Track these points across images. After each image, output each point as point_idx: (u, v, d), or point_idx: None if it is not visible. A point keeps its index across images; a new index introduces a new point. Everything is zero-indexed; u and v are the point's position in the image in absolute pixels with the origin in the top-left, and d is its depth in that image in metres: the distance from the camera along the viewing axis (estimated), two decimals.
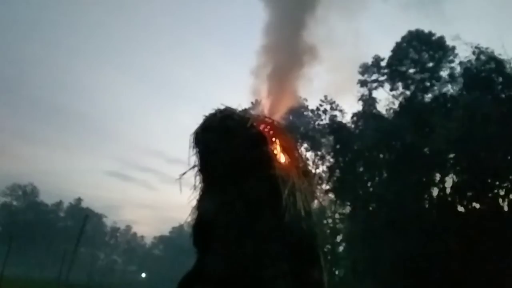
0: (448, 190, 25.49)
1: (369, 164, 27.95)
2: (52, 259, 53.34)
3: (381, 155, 27.54)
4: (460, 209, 25.74)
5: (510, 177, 23.05)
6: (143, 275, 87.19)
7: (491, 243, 19.92)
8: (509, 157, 20.61)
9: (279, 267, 1.59)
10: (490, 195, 23.74)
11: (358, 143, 28.69)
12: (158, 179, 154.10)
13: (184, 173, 1.81)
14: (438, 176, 25.85)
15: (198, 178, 1.81)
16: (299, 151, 1.72)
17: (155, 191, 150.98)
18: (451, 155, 24.52)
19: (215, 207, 1.67)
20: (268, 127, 1.77)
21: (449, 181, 25.68)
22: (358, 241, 27.91)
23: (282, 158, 1.73)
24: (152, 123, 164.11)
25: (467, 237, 21.42)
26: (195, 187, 1.81)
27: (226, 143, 1.61)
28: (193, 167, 1.83)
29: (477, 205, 25.23)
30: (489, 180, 23.13)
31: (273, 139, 1.76)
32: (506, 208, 23.87)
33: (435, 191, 26.46)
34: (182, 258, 70.92)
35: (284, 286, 1.58)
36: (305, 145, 33.69)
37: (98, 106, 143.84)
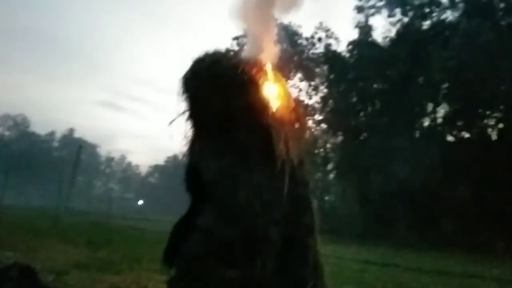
0: (439, 120, 25.67)
1: (363, 94, 27.75)
2: (50, 188, 54.51)
3: (375, 85, 27.23)
4: (450, 138, 26.16)
5: (501, 107, 23.13)
6: (140, 202, 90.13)
7: (478, 170, 20.49)
8: (502, 87, 20.45)
9: (272, 215, 1.52)
10: (479, 124, 24.00)
11: (352, 73, 28.22)
12: (149, 109, 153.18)
13: (172, 121, 1.66)
14: (430, 106, 25.85)
15: (188, 124, 1.67)
16: (293, 92, 1.59)
17: (148, 120, 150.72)
18: (445, 85, 24.30)
19: (206, 156, 1.54)
20: (260, 70, 1.57)
21: (440, 111, 25.76)
22: (348, 170, 28.65)
23: (274, 104, 1.57)
24: (141, 52, 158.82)
25: (455, 166, 21.99)
26: (185, 133, 1.67)
27: (216, 90, 1.44)
28: (183, 113, 1.68)
29: (467, 135, 25.63)
30: (480, 110, 23.23)
31: (265, 84, 1.58)
32: (494, 137, 24.30)
33: (426, 121, 26.64)
34: (176, 186, 73.14)
35: (276, 233, 1.52)
36: (299, 75, 33.11)
37: (86, 35, 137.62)
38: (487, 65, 18.78)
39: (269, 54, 1.91)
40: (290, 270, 1.67)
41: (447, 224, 19.94)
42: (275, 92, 1.77)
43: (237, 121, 1.63)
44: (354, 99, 28.85)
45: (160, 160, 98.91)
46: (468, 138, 25.12)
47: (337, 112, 30.07)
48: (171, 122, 1.81)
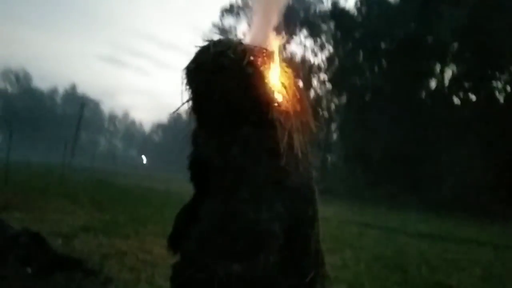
0: (446, 82, 25.25)
1: (369, 54, 27.15)
2: (54, 145, 55.04)
3: (383, 44, 26.55)
4: (456, 101, 25.87)
5: (510, 68, 22.64)
6: (144, 159, 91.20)
7: (484, 133, 20.39)
8: (510, 46, 19.90)
9: (275, 209, 1.53)
10: (487, 87, 23.62)
11: (360, 31, 27.46)
12: (152, 64, 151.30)
13: (176, 110, 1.61)
14: (438, 67, 25.34)
15: (191, 115, 1.63)
16: (298, 81, 1.53)
17: (151, 77, 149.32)
18: (455, 45, 23.68)
19: (210, 148, 1.51)
20: (266, 61, 1.50)
21: (448, 72, 25.29)
22: (351, 130, 28.60)
23: (280, 96, 1.51)
24: (142, 5, 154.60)
25: (460, 129, 21.89)
26: (189, 123, 1.63)
27: (221, 83, 1.39)
28: (186, 101, 1.62)
29: (473, 97, 25.32)
30: (489, 72, 22.76)
31: (271, 75, 1.52)
32: (501, 100, 24.01)
33: (433, 83, 26.24)
34: (178, 144, 73.87)
35: (279, 227, 1.53)
36: (305, 32, 32.29)
37: None
38: (499, 26, 18.15)
39: (276, 39, 1.81)
40: (292, 263, 1.67)
41: (448, 188, 20.13)
42: (281, 84, 1.70)
43: (242, 115, 1.57)
44: (361, 59, 28.27)
45: (163, 117, 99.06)
46: (475, 101, 24.84)
47: (342, 71, 29.60)
48: (175, 112, 1.75)
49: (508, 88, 23.66)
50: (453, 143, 22.42)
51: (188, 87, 1.69)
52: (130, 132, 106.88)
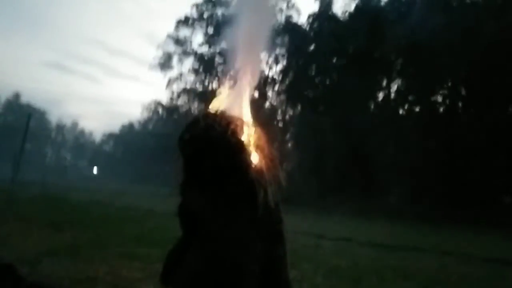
0: (392, 95, 26.91)
1: (321, 68, 28.33)
2: None
3: (334, 60, 27.85)
4: (402, 112, 27.62)
5: (449, 84, 24.58)
6: (95, 171, 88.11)
7: (427, 140, 21.91)
8: (450, 67, 21.69)
9: (255, 252, 1.90)
10: (429, 100, 25.46)
11: (312, 46, 28.61)
12: (102, 72, 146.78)
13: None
14: (385, 81, 26.97)
15: (180, 173, 1.96)
16: (270, 143, 1.86)
17: (100, 84, 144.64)
18: (399, 61, 25.35)
19: (199, 200, 1.85)
20: (242, 128, 1.89)
21: (394, 86, 26.99)
22: (305, 140, 29.58)
23: (256, 159, 1.90)
24: (90, 10, 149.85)
25: (406, 137, 23.36)
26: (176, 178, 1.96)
27: (210, 152, 1.75)
28: (176, 161, 1.96)
29: (417, 108, 27.16)
30: (430, 86, 24.55)
31: (248, 141, 1.90)
32: (441, 111, 25.97)
33: (381, 95, 27.85)
34: (132, 154, 72.20)
35: (257, 266, 1.89)
36: None
37: None
38: (438, 45, 19.75)
39: (248, 109, 2.21)
40: None
41: (396, 194, 21.40)
42: (256, 146, 2.09)
43: (226, 175, 1.94)
44: (313, 72, 29.40)
45: (114, 126, 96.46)
46: (418, 112, 26.65)
47: (296, 84, 30.62)
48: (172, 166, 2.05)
49: (447, 101, 25.66)
50: (400, 152, 23.91)
51: (181, 152, 2.02)
52: (79, 142, 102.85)
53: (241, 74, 2.38)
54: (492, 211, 18.94)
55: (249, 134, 2.06)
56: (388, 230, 13.90)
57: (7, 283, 3.97)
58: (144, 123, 73.67)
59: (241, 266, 1.89)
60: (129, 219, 12.36)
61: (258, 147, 2.08)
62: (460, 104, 25.02)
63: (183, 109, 49.42)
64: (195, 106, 49.40)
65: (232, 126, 1.96)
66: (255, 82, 2.49)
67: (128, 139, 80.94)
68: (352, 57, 26.00)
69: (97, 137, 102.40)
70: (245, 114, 2.19)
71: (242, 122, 2.08)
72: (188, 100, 47.76)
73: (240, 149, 1.94)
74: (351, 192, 23.06)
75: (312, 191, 27.11)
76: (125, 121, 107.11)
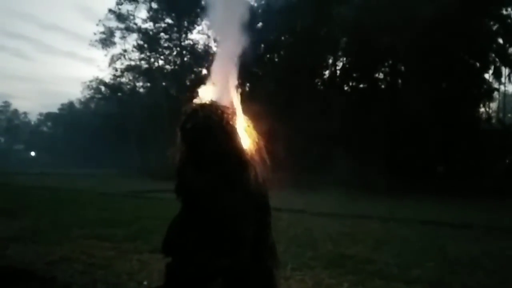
0: (338, 72, 27.96)
1: (270, 45, 28.64)
2: None
3: (282, 37, 28.24)
4: (347, 88, 28.83)
5: (390, 62, 25.98)
6: (32, 153, 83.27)
7: (370, 115, 23.15)
8: (391, 46, 22.90)
9: (249, 219, 2.26)
10: (372, 76, 26.80)
11: (260, 23, 28.73)
12: (33, 48, 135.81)
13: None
14: (331, 59, 27.88)
15: (181, 156, 2.24)
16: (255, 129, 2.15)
17: (32, 61, 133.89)
18: (344, 40, 26.30)
19: (200, 181, 2.16)
20: (235, 116, 2.22)
21: (339, 64, 28.02)
22: (255, 118, 30.05)
23: (247, 142, 2.24)
24: None
25: (351, 113, 24.54)
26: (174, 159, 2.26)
27: (209, 138, 2.07)
28: (178, 145, 2.24)
29: (361, 85, 28.48)
30: (372, 64, 25.79)
31: (239, 126, 2.24)
32: (383, 86, 27.49)
33: (327, 72, 28.82)
34: (74, 134, 68.97)
35: (251, 233, 2.26)
36: (207, 22, 32.63)
37: None
38: (380, 25, 20.75)
39: (237, 97, 2.54)
40: (258, 254, 2.43)
41: (343, 167, 22.59)
42: (245, 130, 2.44)
43: (223, 157, 2.26)
44: (262, 50, 29.62)
45: (51, 106, 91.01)
46: (361, 88, 27.97)
47: (244, 61, 30.74)
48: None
49: (388, 78, 27.17)
50: (346, 125, 25.11)
51: (183, 140, 2.30)
52: (13, 124, 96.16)
53: (221, 65, 2.67)
54: (427, 180, 20.72)
55: (240, 121, 2.39)
56: (337, 201, 14.86)
57: None
58: (86, 102, 70.29)
59: (238, 233, 2.24)
60: (84, 202, 12.20)
61: (247, 132, 2.42)
62: (399, 80, 26.59)
63: (128, 87, 47.85)
64: (140, 84, 48.00)
65: (226, 115, 2.27)
66: (235, 71, 2.79)
67: (69, 119, 76.94)
68: (300, 35, 26.52)
69: (33, 117, 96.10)
70: (234, 102, 2.50)
71: (234, 111, 2.40)
72: (133, 78, 46.23)
73: (234, 135, 2.27)
74: (301, 167, 23.99)
75: (265, 167, 27.82)
76: (62, 100, 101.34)
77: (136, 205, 12.15)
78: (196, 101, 2.48)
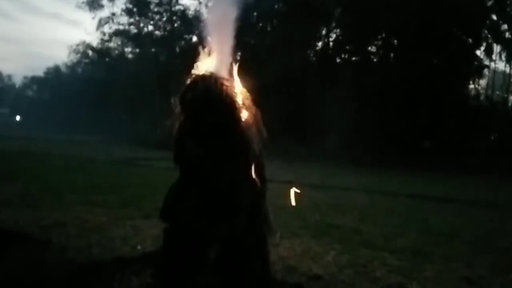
0: (331, 44, 27.72)
1: (263, 14, 28.15)
2: None
3: (276, 6, 27.73)
4: (339, 61, 28.68)
5: (383, 35, 25.81)
6: (18, 117, 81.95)
7: (362, 88, 23.16)
8: (386, 20, 22.71)
9: (245, 188, 2.35)
10: (365, 49, 26.66)
11: None
12: (17, 8, 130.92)
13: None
14: (324, 30, 27.57)
15: (180, 126, 2.29)
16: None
17: (16, 22, 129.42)
18: (338, 11, 25.94)
19: (199, 151, 2.22)
20: (233, 88, 2.27)
21: (332, 36, 27.75)
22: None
23: (245, 114, 2.30)
24: None
25: (342, 85, 24.54)
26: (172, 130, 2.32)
27: (209, 110, 2.12)
28: (176, 116, 2.29)
29: (353, 58, 28.35)
30: (365, 37, 25.62)
31: (238, 97, 2.29)
32: (375, 60, 27.43)
33: (320, 44, 28.56)
34: (60, 99, 67.71)
35: (247, 200, 2.36)
36: None
37: None
38: None
39: (234, 68, 2.57)
40: (254, 221, 2.53)
41: (332, 140, 22.82)
42: (243, 102, 2.49)
43: (222, 129, 2.31)
44: (254, 19, 29.11)
45: (36, 69, 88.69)
46: (354, 61, 27.86)
47: (237, 30, 30.22)
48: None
49: (381, 51, 27.07)
50: (336, 99, 25.14)
51: (183, 110, 2.34)
52: None
53: (217, 33, 2.68)
54: (414, 154, 21.12)
55: (238, 94, 2.43)
56: (325, 173, 15.12)
57: None
58: (72, 67, 68.68)
59: (236, 201, 2.32)
60: (73, 168, 12.21)
61: (245, 105, 2.46)
62: (392, 54, 26.53)
63: (116, 52, 46.84)
64: (129, 50, 46.98)
65: (225, 87, 2.31)
66: (231, 40, 2.79)
67: (55, 84, 75.31)
68: (294, 5, 26.06)
69: (18, 80, 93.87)
70: (232, 74, 2.53)
71: (233, 83, 2.43)
72: (122, 43, 45.20)
73: (233, 107, 2.31)
74: (291, 138, 24.16)
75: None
76: (48, 63, 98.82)
77: (126, 172, 12.22)
78: (195, 72, 2.50)
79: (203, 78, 2.38)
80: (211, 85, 2.29)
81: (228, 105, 2.30)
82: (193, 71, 2.54)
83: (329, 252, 4.57)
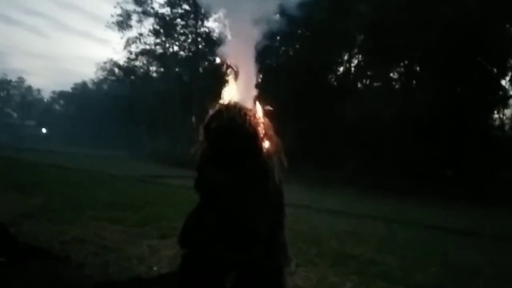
0: (352, 69, 27.78)
1: (285, 38, 28.52)
2: None
3: (299, 30, 28.10)
4: (360, 86, 28.65)
5: (405, 62, 25.75)
6: (44, 130, 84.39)
7: (383, 114, 22.96)
8: (407, 46, 22.69)
9: (267, 218, 2.37)
10: (387, 76, 26.59)
11: (277, 15, 28.56)
12: (50, 25, 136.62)
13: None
14: (346, 56, 27.70)
15: (203, 154, 2.37)
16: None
17: (48, 39, 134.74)
18: (361, 37, 26.08)
19: (220, 178, 2.26)
20: (255, 117, 2.34)
21: (354, 61, 27.83)
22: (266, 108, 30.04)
23: (266, 144, 2.35)
24: None
25: (363, 111, 24.43)
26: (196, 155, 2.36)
27: (232, 139, 2.18)
28: (200, 144, 2.35)
29: (374, 84, 28.28)
30: (388, 63, 25.58)
31: (262, 129, 2.34)
32: (397, 87, 27.27)
33: (341, 68, 28.66)
34: (85, 114, 69.54)
35: (266, 231, 2.38)
36: (224, 10, 32.51)
37: None
38: (399, 24, 20.57)
39: (257, 102, 2.64)
40: (271, 251, 2.53)
41: (351, 165, 22.60)
42: (265, 133, 2.54)
43: (244, 158, 2.36)
44: (277, 42, 29.51)
45: (64, 84, 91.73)
46: (375, 87, 27.77)
47: (260, 52, 30.67)
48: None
49: (403, 78, 26.94)
50: (355, 123, 25.02)
51: (207, 138, 2.41)
52: (27, 100, 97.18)
53: (241, 67, 2.76)
54: (435, 183, 20.64)
55: (260, 123, 2.49)
56: (343, 198, 14.93)
57: (2, 241, 4.18)
58: (99, 83, 70.79)
59: (254, 231, 2.34)
60: (95, 183, 12.44)
61: (267, 135, 2.51)
62: (414, 81, 26.34)
63: (141, 71, 48.08)
64: (154, 69, 48.19)
65: (248, 117, 2.37)
66: (254, 74, 2.87)
67: (81, 99, 77.55)
68: (316, 29, 26.33)
69: (46, 95, 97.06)
70: (255, 104, 2.60)
71: (255, 113, 2.49)
72: (147, 62, 46.46)
73: (255, 137, 2.37)
74: (309, 163, 24.06)
75: None
76: (75, 79, 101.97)
77: (145, 190, 12.35)
78: (220, 101, 2.58)
79: (227, 107, 2.45)
80: (235, 115, 2.35)
81: (251, 135, 2.35)
82: (218, 100, 2.62)
83: (346, 283, 4.50)
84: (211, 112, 2.49)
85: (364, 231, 8.48)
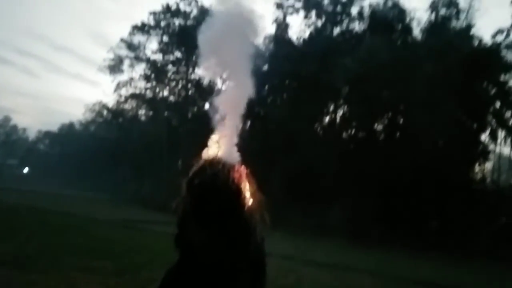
0: (338, 120, 28.44)
1: (274, 88, 29.30)
2: None
3: (286, 81, 28.95)
4: (345, 136, 29.22)
5: (389, 114, 26.53)
6: (25, 170, 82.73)
7: (367, 164, 23.29)
8: (391, 100, 23.46)
9: (246, 277, 2.32)
10: (371, 127, 27.24)
11: (266, 66, 29.51)
12: (41, 66, 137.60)
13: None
14: (332, 106, 28.45)
15: (183, 210, 2.33)
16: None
17: (38, 79, 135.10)
18: (346, 89, 26.97)
19: (200, 235, 2.24)
20: (239, 174, 2.35)
21: (339, 112, 28.58)
22: (253, 156, 30.19)
23: (249, 200, 2.35)
24: (35, 3, 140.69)
25: (347, 160, 24.75)
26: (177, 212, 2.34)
27: (215, 196, 2.18)
28: (180, 201, 2.35)
29: (359, 134, 28.89)
30: (372, 115, 26.31)
31: (243, 184, 2.35)
32: (381, 138, 27.88)
33: (327, 119, 29.32)
34: (70, 155, 68.72)
35: (249, 277, 2.32)
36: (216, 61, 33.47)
37: None
38: (382, 79, 21.40)
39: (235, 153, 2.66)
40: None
41: (335, 214, 22.47)
42: (249, 191, 2.54)
43: (226, 215, 2.35)
44: (266, 92, 30.24)
45: (50, 123, 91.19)
46: (360, 137, 28.34)
47: (249, 101, 31.30)
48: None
49: (387, 130, 27.62)
50: (340, 172, 25.22)
51: (189, 194, 2.39)
52: (11, 139, 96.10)
53: (226, 121, 2.82)
54: (421, 234, 20.60)
55: (244, 180, 2.50)
56: (329, 249, 14.72)
57: None
58: (86, 124, 70.59)
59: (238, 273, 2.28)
60: (75, 228, 12.05)
61: (249, 191, 2.52)
62: (398, 133, 27.01)
63: (130, 114, 48.30)
64: (142, 112, 48.51)
65: (232, 175, 2.39)
66: (239, 126, 2.93)
67: (67, 139, 76.94)
68: (303, 81, 27.19)
69: (32, 134, 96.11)
70: (237, 160, 2.62)
71: (240, 169, 2.52)
72: (136, 105, 46.83)
73: (238, 194, 2.38)
74: (296, 210, 23.91)
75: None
76: (63, 120, 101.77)
77: (127, 236, 12.00)
78: (204, 156, 2.59)
79: (211, 164, 2.47)
80: (218, 171, 2.36)
81: (234, 193, 2.36)
82: (203, 150, 2.62)
83: None
84: (194, 167, 2.50)
85: (351, 285, 8.31)
